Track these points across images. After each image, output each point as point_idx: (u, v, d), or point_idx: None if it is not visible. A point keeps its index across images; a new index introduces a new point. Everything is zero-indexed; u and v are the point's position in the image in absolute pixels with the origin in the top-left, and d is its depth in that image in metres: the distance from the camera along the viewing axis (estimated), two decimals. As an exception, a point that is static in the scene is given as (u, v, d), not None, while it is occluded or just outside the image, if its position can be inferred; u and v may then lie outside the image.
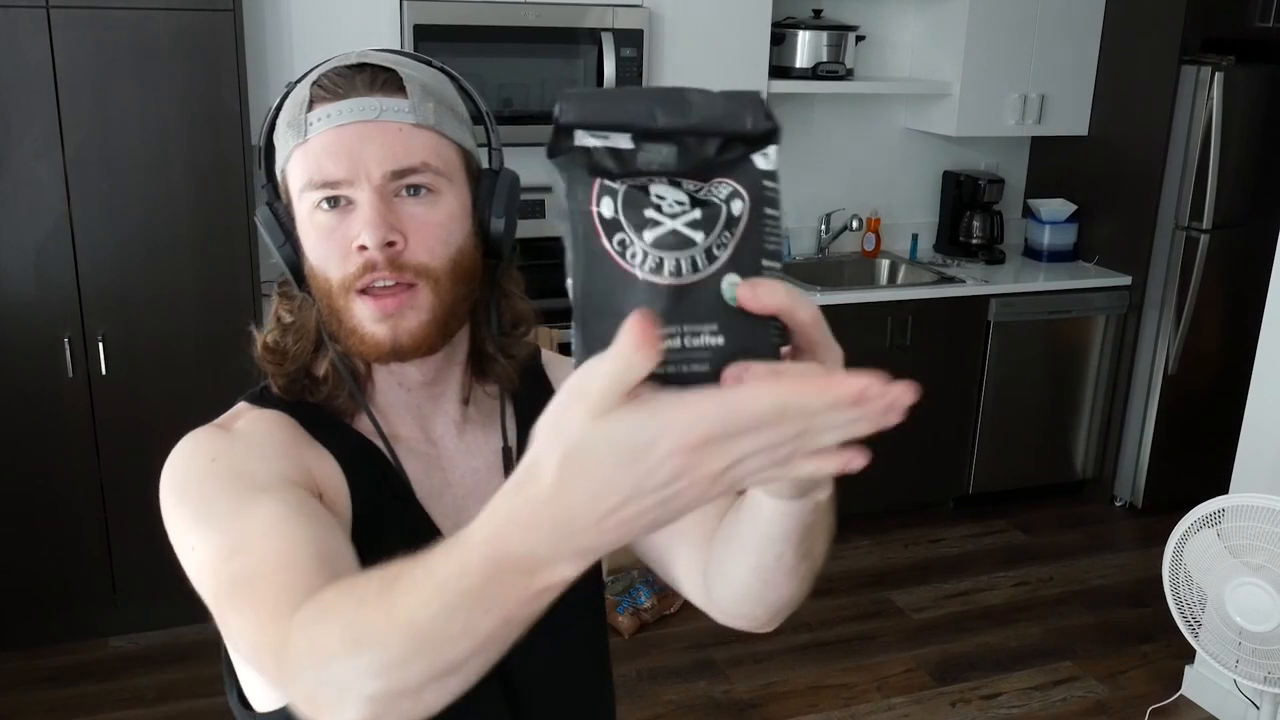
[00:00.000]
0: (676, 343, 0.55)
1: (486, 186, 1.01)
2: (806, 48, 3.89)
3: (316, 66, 1.00)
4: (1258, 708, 2.88)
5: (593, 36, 3.45)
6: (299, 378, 1.03)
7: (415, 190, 0.95)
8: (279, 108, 1.00)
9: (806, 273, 4.04)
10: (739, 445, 0.55)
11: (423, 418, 1.06)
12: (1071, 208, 4.34)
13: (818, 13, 3.98)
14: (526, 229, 3.86)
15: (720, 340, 0.55)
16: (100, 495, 3.13)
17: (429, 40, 3.30)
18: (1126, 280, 4.19)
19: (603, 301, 0.54)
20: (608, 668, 1.19)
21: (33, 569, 3.14)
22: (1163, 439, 4.22)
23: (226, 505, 0.96)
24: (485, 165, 1.03)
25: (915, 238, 4.44)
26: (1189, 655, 3.20)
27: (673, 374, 0.55)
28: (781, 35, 3.86)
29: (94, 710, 2.98)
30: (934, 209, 4.53)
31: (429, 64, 1.02)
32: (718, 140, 0.55)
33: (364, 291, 0.94)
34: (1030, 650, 3.41)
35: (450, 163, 0.97)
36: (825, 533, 0.91)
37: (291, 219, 0.99)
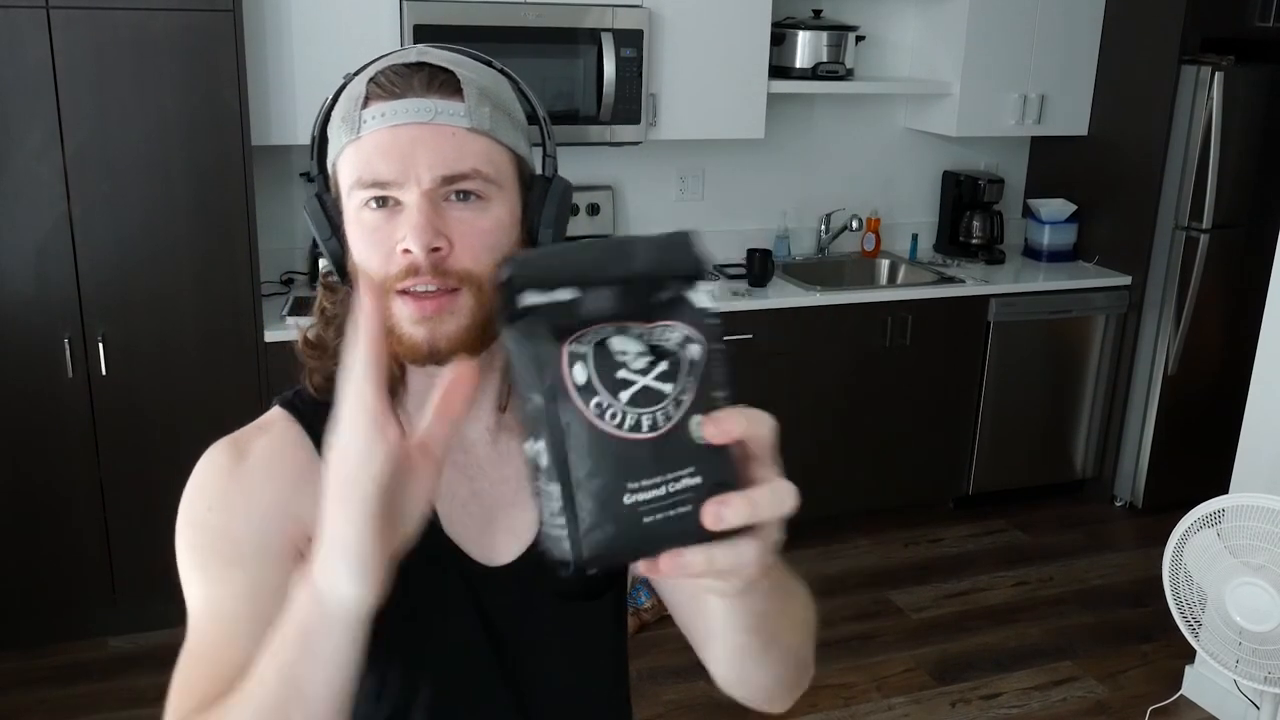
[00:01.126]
0: (662, 491, 0.57)
1: (538, 194, 0.99)
2: (806, 48, 3.89)
3: (375, 60, 0.99)
4: (1258, 708, 2.88)
5: (593, 36, 3.45)
6: (335, 375, 0.97)
7: (465, 196, 0.93)
8: (334, 100, 0.99)
9: (806, 273, 4.04)
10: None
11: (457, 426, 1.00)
12: (1071, 208, 4.34)
13: (818, 13, 3.98)
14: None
15: (698, 480, 0.59)
16: (100, 495, 3.13)
17: (429, 40, 3.29)
18: (1126, 280, 4.19)
19: (591, 465, 0.56)
20: (626, 694, 1.18)
21: (33, 569, 3.14)
22: (1163, 439, 4.22)
23: (207, 564, 0.96)
24: (539, 171, 1.01)
25: (915, 238, 4.43)
26: (1189, 655, 3.20)
27: (661, 520, 0.58)
28: (781, 35, 3.86)
29: (94, 710, 2.98)
30: (934, 209, 4.53)
31: (489, 65, 1.00)
32: (656, 283, 0.58)
33: (404, 292, 0.92)
34: (1030, 650, 3.41)
35: (502, 169, 0.96)
36: (790, 621, 0.92)
37: (339, 212, 0.97)
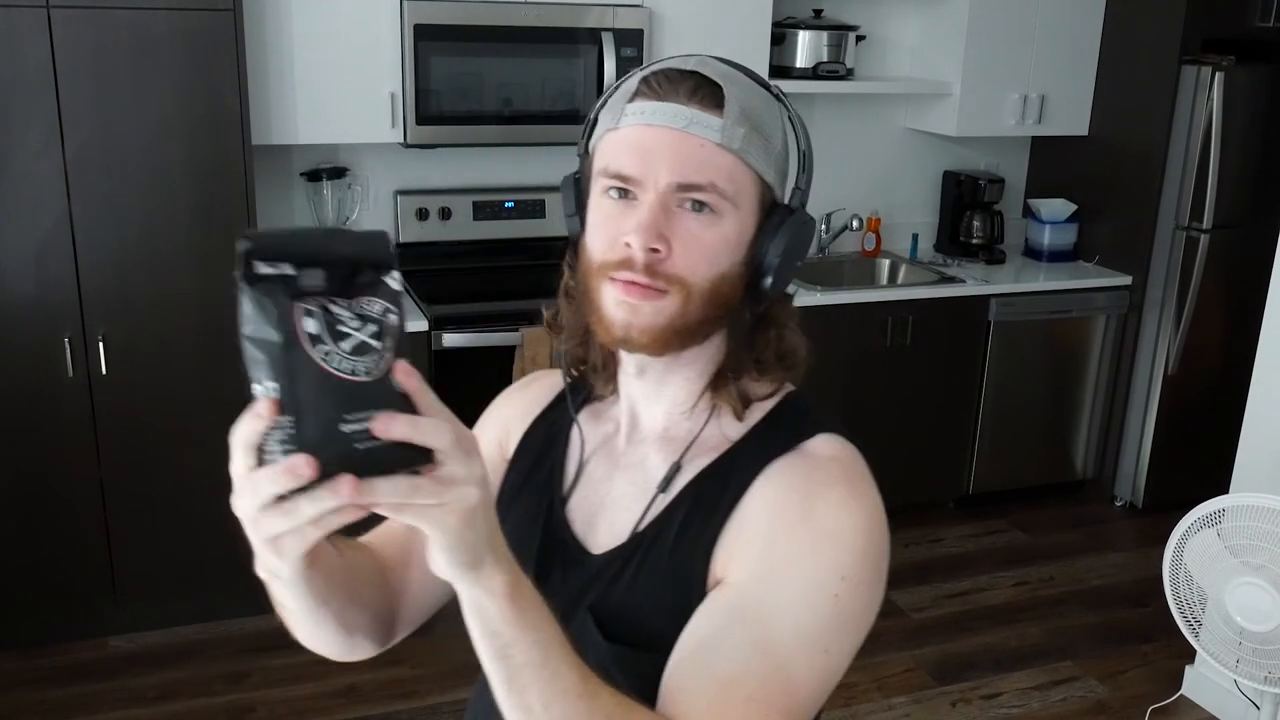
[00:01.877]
0: (363, 425, 0.71)
1: (775, 222, 1.00)
2: (807, 47, 3.89)
3: (661, 60, 1.03)
4: (1258, 708, 2.88)
5: (593, 36, 3.45)
6: (580, 362, 1.11)
7: (699, 206, 0.96)
8: (614, 90, 1.03)
9: (807, 273, 4.04)
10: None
11: (634, 409, 1.10)
12: (1072, 208, 4.34)
13: (818, 13, 3.98)
14: (527, 229, 3.87)
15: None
16: (100, 495, 3.13)
17: (429, 40, 3.30)
18: (1127, 280, 4.19)
19: (318, 400, 0.71)
20: None
21: (33, 569, 3.14)
22: (1163, 439, 4.22)
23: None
24: (785, 200, 1.03)
25: (915, 237, 4.43)
26: (1189, 655, 3.20)
27: (367, 448, 0.72)
28: (782, 35, 3.86)
29: (94, 710, 2.98)
30: (934, 209, 4.53)
31: (766, 88, 1.02)
32: (357, 268, 0.74)
33: (614, 278, 0.97)
34: (1030, 650, 3.41)
35: (742, 189, 0.98)
36: (536, 687, 0.90)
37: (586, 193, 1.03)
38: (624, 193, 0.97)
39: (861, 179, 4.39)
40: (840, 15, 4.06)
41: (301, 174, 3.64)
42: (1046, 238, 4.34)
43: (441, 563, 0.80)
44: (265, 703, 3.02)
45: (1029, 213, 4.46)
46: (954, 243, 4.41)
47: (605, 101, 1.03)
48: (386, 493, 0.71)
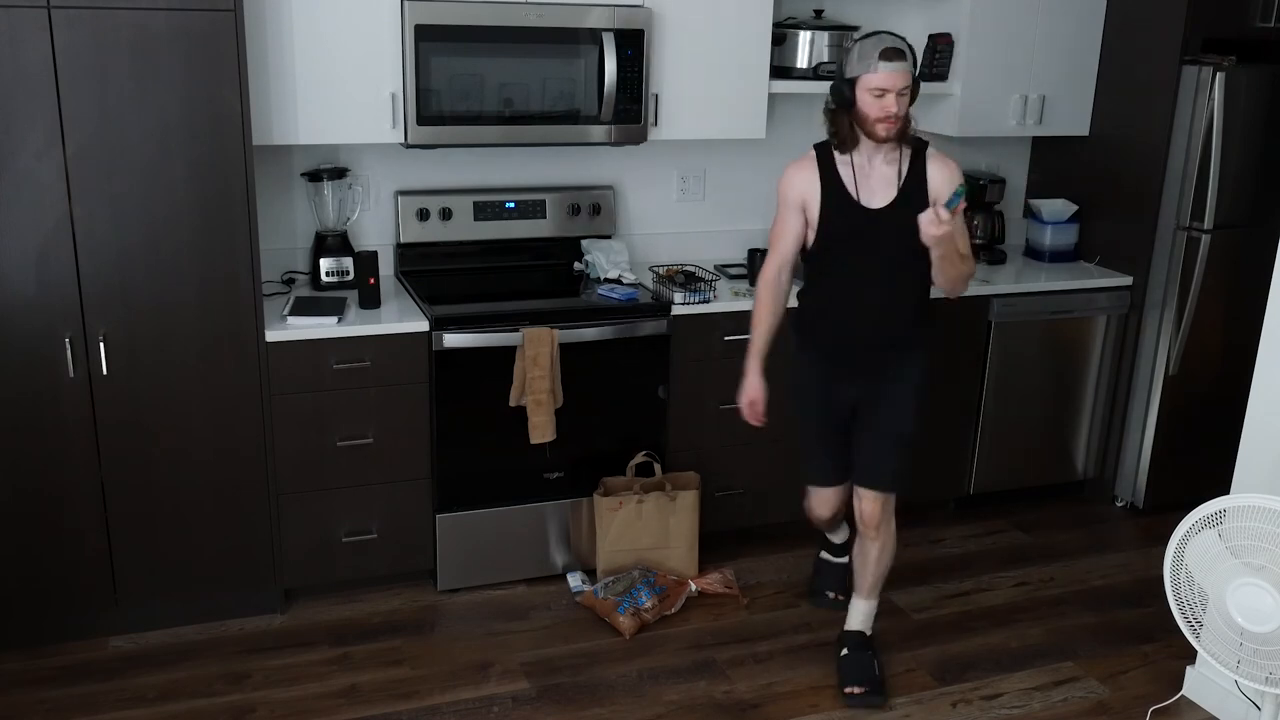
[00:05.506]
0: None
1: (916, 87, 2.81)
2: (808, 48, 3.89)
3: (875, 36, 2.77)
4: (1259, 708, 2.88)
5: (594, 36, 3.45)
6: (836, 140, 2.88)
7: (904, 94, 2.76)
8: (850, 49, 2.82)
9: (807, 273, 4.04)
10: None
11: (872, 157, 2.88)
12: (1073, 208, 4.34)
13: (819, 13, 3.98)
14: (527, 229, 3.87)
15: None
16: (101, 495, 3.13)
17: (430, 40, 3.30)
18: (1128, 280, 4.19)
19: None
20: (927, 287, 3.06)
21: (33, 569, 3.14)
22: (1164, 439, 4.22)
23: (780, 211, 3.01)
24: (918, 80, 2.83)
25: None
26: (1190, 656, 3.20)
27: None
28: (782, 35, 3.86)
29: (94, 710, 2.98)
30: (935, 209, 4.52)
31: (909, 44, 2.79)
32: None
33: (880, 120, 2.77)
34: (1031, 650, 3.41)
35: (911, 83, 2.78)
36: (947, 270, 2.88)
37: (854, 90, 2.79)
38: (879, 94, 2.74)
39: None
40: (841, 15, 4.05)
41: (302, 174, 3.64)
42: (1047, 238, 4.34)
43: (926, 240, 2.78)
44: (265, 703, 3.02)
45: (1030, 213, 4.46)
46: (955, 243, 4.40)
47: (854, 55, 2.78)
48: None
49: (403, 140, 3.40)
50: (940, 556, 4.00)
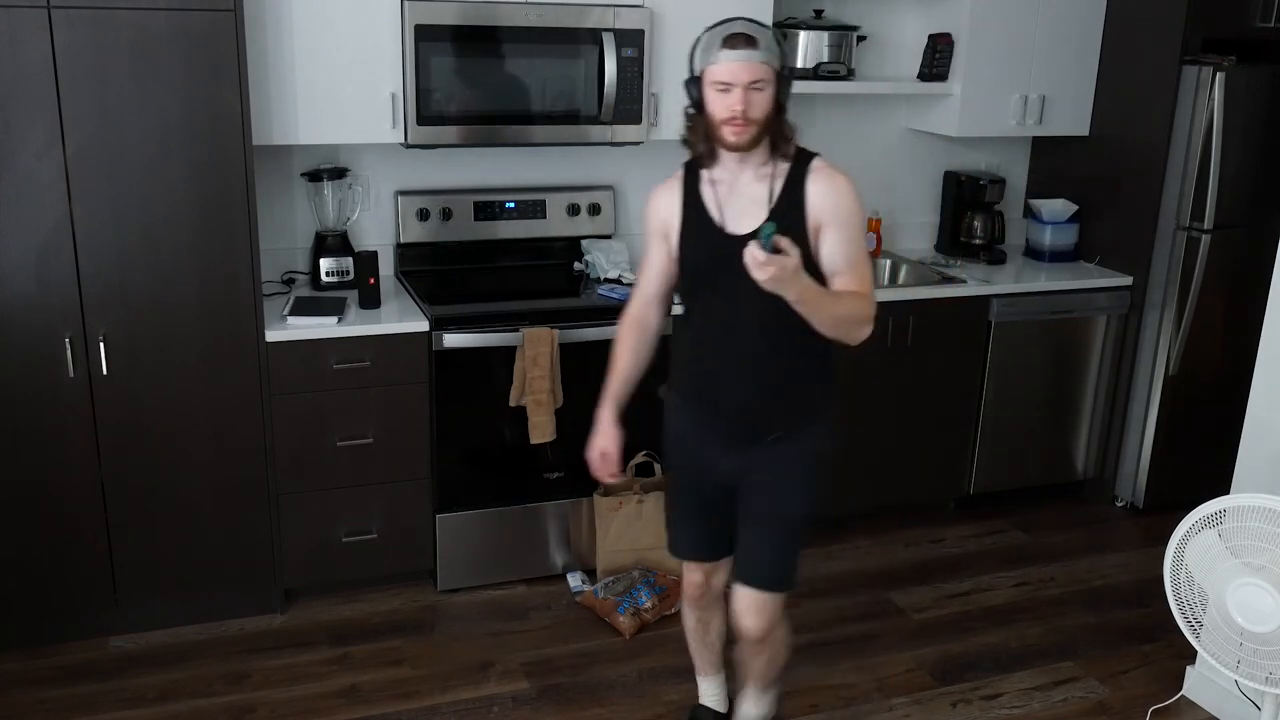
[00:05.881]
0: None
1: (782, 83, 2.28)
2: (808, 48, 3.89)
3: (722, 25, 2.27)
4: (1259, 708, 2.88)
5: (594, 36, 3.45)
6: (698, 153, 2.37)
7: (757, 88, 2.22)
8: (698, 41, 2.28)
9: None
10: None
11: (738, 173, 2.35)
12: (1073, 208, 4.34)
13: (819, 13, 3.98)
14: (527, 229, 3.87)
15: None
16: (100, 495, 3.13)
17: (430, 40, 3.29)
18: (1128, 280, 4.19)
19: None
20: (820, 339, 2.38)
21: (33, 569, 3.13)
22: (1164, 439, 4.22)
23: (646, 237, 2.52)
24: (784, 75, 2.29)
25: (917, 238, 4.43)
26: (1190, 656, 3.20)
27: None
28: (783, 35, 3.86)
29: (94, 710, 2.98)
30: (935, 209, 4.53)
31: (767, 29, 2.27)
32: None
33: (726, 123, 2.25)
34: (1031, 650, 3.41)
35: (770, 75, 2.24)
36: (817, 315, 2.24)
37: (701, 88, 2.28)
38: (725, 90, 2.22)
39: (862, 179, 4.30)
40: (841, 15, 4.05)
41: (302, 174, 3.64)
42: (1047, 238, 4.34)
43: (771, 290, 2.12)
44: (265, 703, 3.02)
45: (1030, 213, 4.46)
46: (955, 243, 4.41)
47: (699, 47, 2.27)
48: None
49: (403, 140, 3.40)
50: (940, 556, 4.00)
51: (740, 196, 2.34)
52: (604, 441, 2.56)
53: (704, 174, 2.37)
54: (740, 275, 2.12)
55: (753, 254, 2.05)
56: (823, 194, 2.31)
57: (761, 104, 2.23)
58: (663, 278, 2.50)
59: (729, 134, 2.24)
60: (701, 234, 2.36)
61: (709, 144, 2.31)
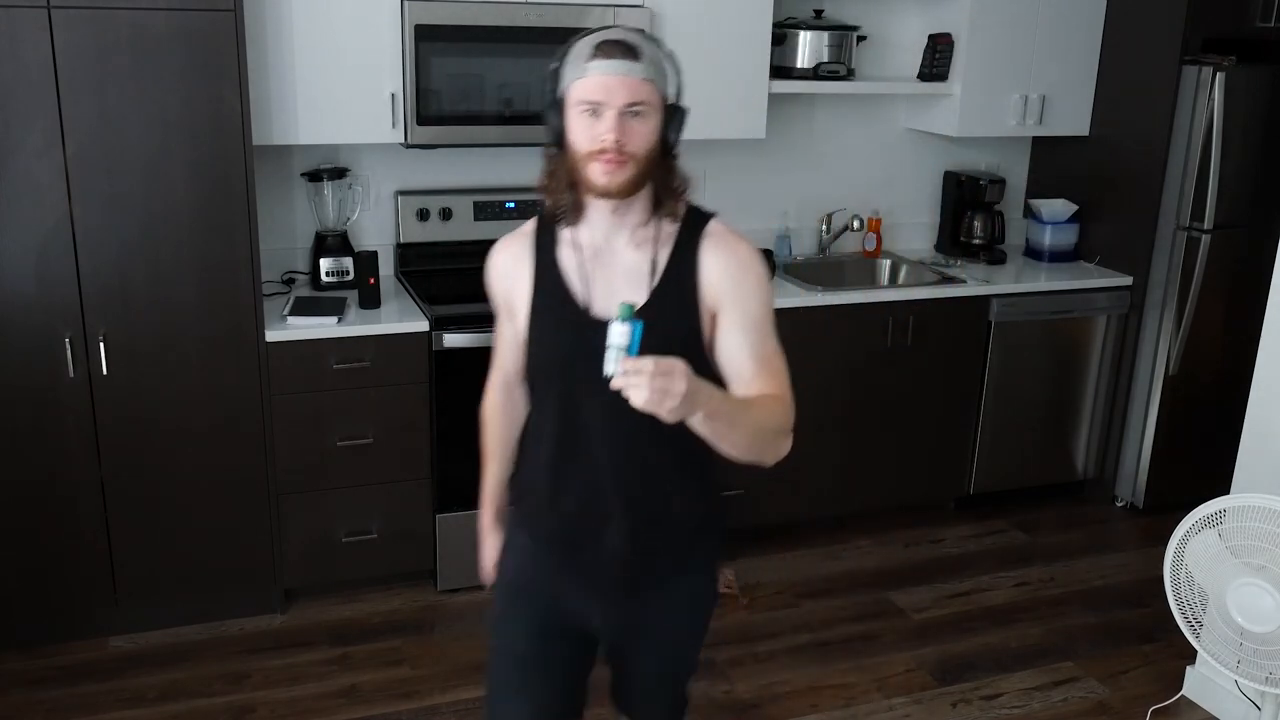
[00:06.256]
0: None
1: (671, 115, 1.72)
2: (808, 48, 3.89)
3: (594, 33, 1.73)
4: (1259, 708, 2.88)
5: (594, 36, 3.45)
6: (558, 205, 1.75)
7: (636, 113, 1.65)
8: (566, 52, 1.73)
9: (807, 273, 4.04)
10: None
11: (609, 232, 1.76)
12: (1073, 208, 4.34)
13: (819, 13, 3.98)
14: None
15: None
16: (100, 495, 3.13)
17: (430, 40, 3.29)
18: (1128, 280, 4.19)
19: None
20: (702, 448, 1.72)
21: (33, 569, 3.13)
22: (1164, 439, 4.22)
23: (496, 311, 1.92)
24: (673, 101, 1.73)
25: (916, 238, 4.43)
26: (1190, 656, 3.20)
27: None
28: (783, 35, 3.86)
29: (94, 710, 2.98)
30: (935, 209, 4.53)
31: (653, 41, 1.73)
32: None
33: (596, 159, 1.65)
34: (1031, 650, 3.41)
35: (655, 100, 1.67)
36: (730, 433, 1.59)
37: (564, 112, 1.69)
38: (593, 112, 1.64)
39: (862, 179, 4.39)
40: (841, 15, 4.05)
41: (302, 174, 3.64)
42: (1047, 238, 4.34)
43: (666, 419, 1.46)
44: (265, 703, 3.02)
45: (1030, 213, 4.46)
46: (955, 243, 4.41)
47: (564, 60, 1.72)
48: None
49: (403, 140, 3.40)
50: (940, 556, 4.00)
51: (611, 266, 1.74)
52: (492, 554, 1.99)
53: (564, 233, 1.78)
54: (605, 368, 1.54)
55: (611, 367, 1.45)
56: (721, 266, 1.72)
57: (642, 135, 1.65)
58: (516, 352, 1.90)
59: (598, 173, 1.64)
60: (556, 314, 1.76)
61: (573, 191, 1.71)
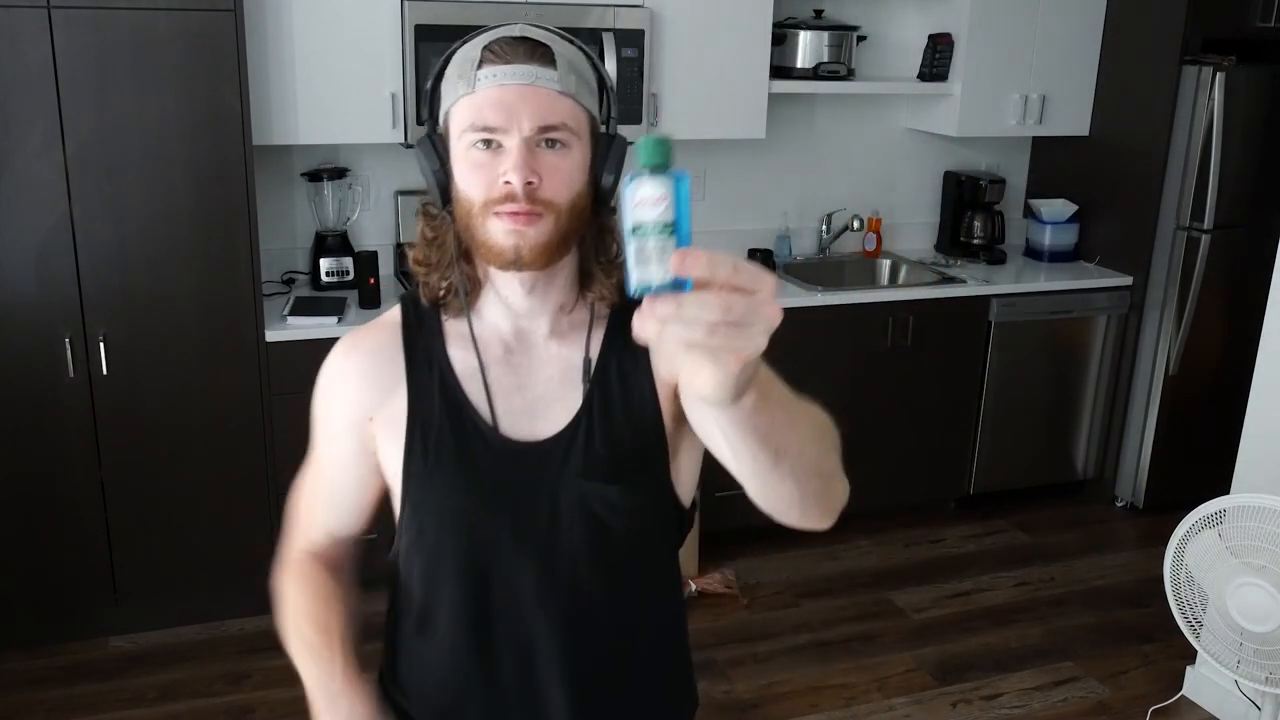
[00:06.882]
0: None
1: (603, 147, 1.20)
2: (808, 48, 3.89)
3: (483, 32, 1.22)
4: (1259, 708, 2.88)
5: (593, 36, 3.45)
6: (443, 288, 1.24)
7: (553, 143, 1.14)
8: (447, 61, 1.22)
9: (807, 273, 4.04)
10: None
11: (519, 325, 1.25)
12: (1073, 208, 4.34)
13: (819, 13, 3.98)
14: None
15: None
16: (100, 495, 3.13)
17: (429, 40, 3.30)
18: (1128, 280, 4.19)
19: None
20: (673, 590, 1.40)
21: (33, 569, 3.14)
22: (1164, 439, 4.22)
23: (318, 431, 1.32)
24: (604, 130, 1.22)
25: (917, 238, 4.43)
26: (1190, 656, 3.20)
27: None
28: (783, 35, 3.86)
29: (94, 710, 2.98)
30: (935, 209, 4.53)
31: (572, 43, 1.21)
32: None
33: (499, 213, 1.13)
34: (1031, 650, 3.41)
35: (581, 125, 1.17)
36: (796, 434, 0.99)
37: (446, 150, 1.18)
38: (489, 143, 1.14)
39: (862, 179, 4.39)
40: (841, 15, 4.05)
41: (302, 174, 3.64)
42: (1047, 238, 4.34)
43: (709, 395, 0.82)
44: (265, 703, 3.02)
45: (1030, 213, 4.46)
46: (955, 243, 4.41)
47: (441, 72, 1.22)
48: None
49: (403, 140, 3.40)
50: (940, 556, 4.00)
51: (528, 368, 1.25)
52: None
53: (453, 326, 1.26)
54: (535, 522, 1.21)
55: (647, 274, 0.77)
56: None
57: (563, 175, 1.14)
58: (349, 512, 1.35)
59: (500, 233, 1.14)
60: (450, 444, 1.23)
61: (465, 264, 1.22)
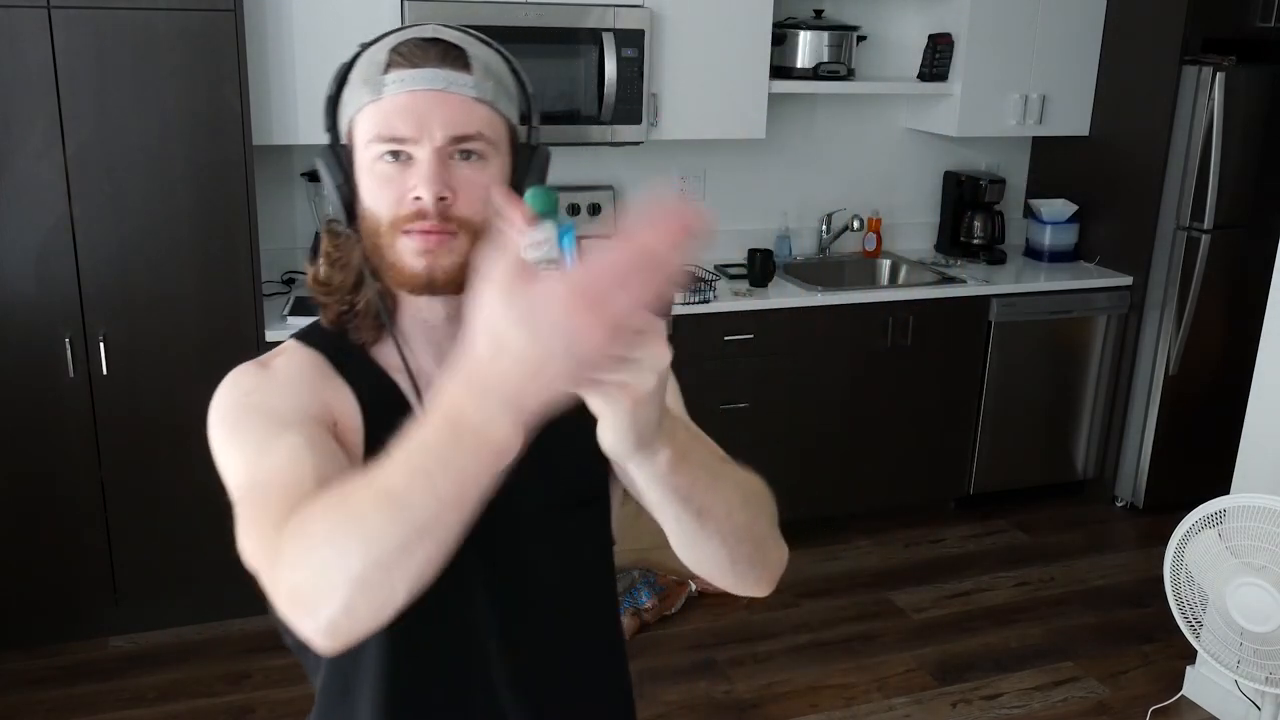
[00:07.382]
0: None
1: (524, 158, 1.11)
2: (808, 48, 3.89)
3: (392, 33, 1.10)
4: (1259, 708, 2.88)
5: (593, 36, 3.45)
6: (345, 310, 1.13)
7: (468, 155, 1.06)
8: (350, 65, 1.10)
9: (807, 273, 4.04)
10: (611, 291, 0.70)
11: (441, 351, 1.12)
12: (1073, 208, 4.34)
13: (819, 13, 3.98)
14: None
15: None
16: (100, 495, 3.13)
17: (430, 40, 3.29)
18: (1127, 280, 4.19)
19: None
20: (622, 655, 1.27)
21: (33, 569, 3.13)
22: (1164, 439, 4.22)
23: (256, 437, 1.09)
24: (525, 140, 1.14)
25: (917, 238, 4.42)
26: (1190, 656, 3.20)
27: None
28: (783, 35, 3.86)
29: (94, 710, 2.98)
30: (935, 209, 4.53)
31: (488, 44, 1.13)
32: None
33: (409, 231, 1.05)
34: (1031, 651, 3.41)
35: (499, 134, 1.08)
36: (721, 496, 0.97)
37: (351, 163, 1.09)
38: (398, 155, 1.05)
39: (862, 179, 4.39)
40: (841, 15, 4.05)
41: (302, 174, 3.64)
42: (1047, 238, 4.34)
43: (611, 443, 0.82)
44: (265, 703, 3.02)
45: (1030, 213, 4.46)
46: (955, 243, 4.41)
47: (344, 77, 1.10)
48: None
49: (403, 140, 3.40)
50: (940, 556, 4.00)
51: None
52: None
53: (377, 353, 1.16)
54: (489, 558, 1.12)
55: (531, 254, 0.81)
56: None
57: (479, 189, 1.06)
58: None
59: (410, 253, 1.06)
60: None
61: (380, 290, 1.12)
